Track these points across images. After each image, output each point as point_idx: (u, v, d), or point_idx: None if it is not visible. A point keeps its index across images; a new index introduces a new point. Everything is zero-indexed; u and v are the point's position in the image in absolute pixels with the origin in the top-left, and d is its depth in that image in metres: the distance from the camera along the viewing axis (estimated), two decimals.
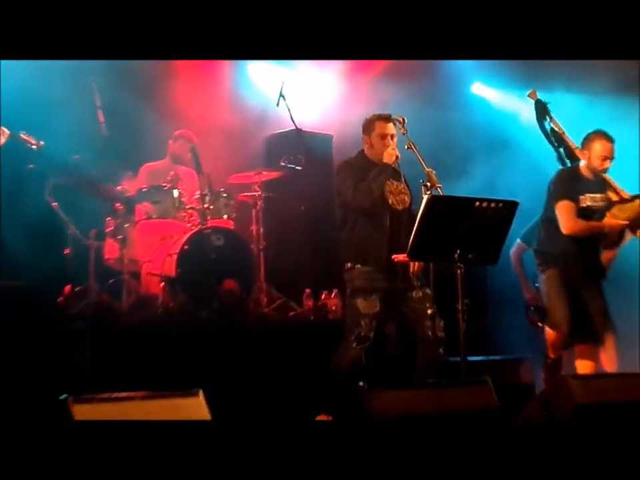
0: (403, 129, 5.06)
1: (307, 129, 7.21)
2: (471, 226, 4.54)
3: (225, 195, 6.75)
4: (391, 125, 5.19)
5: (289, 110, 6.85)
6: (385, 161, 5.12)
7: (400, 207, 5.21)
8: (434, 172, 4.79)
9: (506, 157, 7.60)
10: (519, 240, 6.63)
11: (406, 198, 5.25)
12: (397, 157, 5.10)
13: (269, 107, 7.34)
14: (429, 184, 4.73)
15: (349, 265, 5.20)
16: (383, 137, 5.18)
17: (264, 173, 6.94)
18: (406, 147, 4.94)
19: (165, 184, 6.62)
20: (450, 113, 7.88)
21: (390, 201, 5.18)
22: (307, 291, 6.62)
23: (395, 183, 5.23)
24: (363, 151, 5.33)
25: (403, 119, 5.08)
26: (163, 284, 6.25)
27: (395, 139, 5.19)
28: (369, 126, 5.26)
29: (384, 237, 5.13)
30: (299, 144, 6.97)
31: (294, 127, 6.88)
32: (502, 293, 7.10)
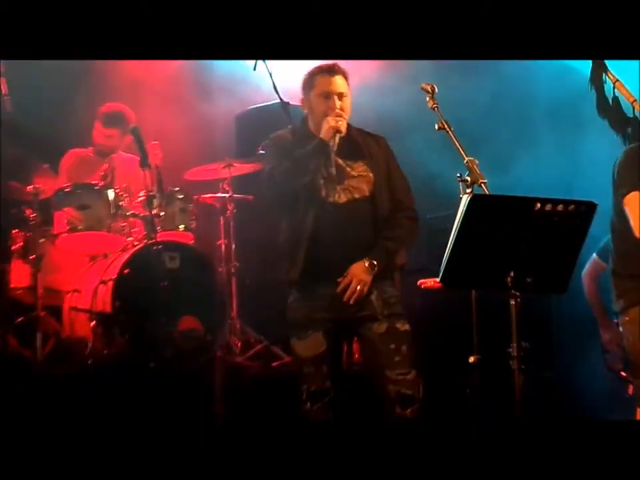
0: (432, 102, 4.95)
1: (295, 103, 7.27)
2: (530, 238, 4.57)
3: (180, 196, 6.87)
4: (338, 79, 5.17)
5: (270, 75, 6.93)
6: (321, 135, 5.11)
7: (341, 200, 5.14)
8: (476, 162, 4.73)
9: (579, 139, 7.64)
10: (595, 255, 6.62)
11: (362, 185, 5.18)
12: (337, 130, 5.08)
13: (241, 73, 7.43)
14: (468, 179, 4.67)
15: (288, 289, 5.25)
16: (327, 96, 5.17)
17: (235, 165, 7.05)
18: (436, 127, 4.88)
19: (95, 182, 6.72)
20: (500, 78, 7.88)
21: (323, 193, 5.13)
22: None
23: (344, 162, 5.19)
24: (305, 118, 5.36)
25: (433, 88, 4.98)
26: (93, 323, 6.35)
27: (347, 100, 5.19)
28: (307, 82, 5.27)
29: (305, 247, 5.08)
30: (285, 123, 7.03)
31: (278, 100, 6.97)
32: (571, 330, 7.15)
